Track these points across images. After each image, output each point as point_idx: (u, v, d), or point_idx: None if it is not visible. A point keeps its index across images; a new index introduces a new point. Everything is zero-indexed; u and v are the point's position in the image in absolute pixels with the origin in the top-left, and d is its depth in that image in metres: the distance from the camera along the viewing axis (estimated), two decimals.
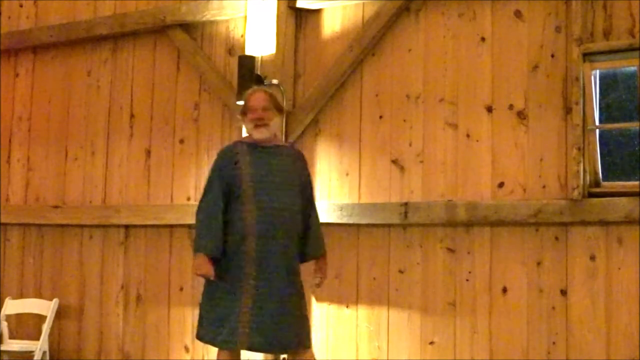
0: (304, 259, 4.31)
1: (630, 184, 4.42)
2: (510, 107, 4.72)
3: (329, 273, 5.17)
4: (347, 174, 5.18)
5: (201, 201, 4.26)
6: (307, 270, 4.34)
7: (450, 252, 4.82)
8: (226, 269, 4.14)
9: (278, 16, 5.29)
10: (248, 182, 4.20)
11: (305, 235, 4.29)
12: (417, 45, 5.04)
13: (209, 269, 4.10)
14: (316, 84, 5.29)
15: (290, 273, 4.18)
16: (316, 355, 5.19)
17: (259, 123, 4.24)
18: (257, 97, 4.30)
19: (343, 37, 5.26)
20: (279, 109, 4.34)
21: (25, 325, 6.17)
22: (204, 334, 4.20)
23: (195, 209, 5.60)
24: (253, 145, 4.28)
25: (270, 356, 5.07)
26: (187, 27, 5.74)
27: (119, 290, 5.91)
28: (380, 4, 5.09)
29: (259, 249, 4.13)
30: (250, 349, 4.16)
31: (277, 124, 4.40)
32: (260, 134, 4.26)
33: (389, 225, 4.95)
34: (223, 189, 4.19)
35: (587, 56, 4.50)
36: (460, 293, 4.77)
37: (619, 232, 4.39)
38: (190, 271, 4.24)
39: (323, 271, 4.36)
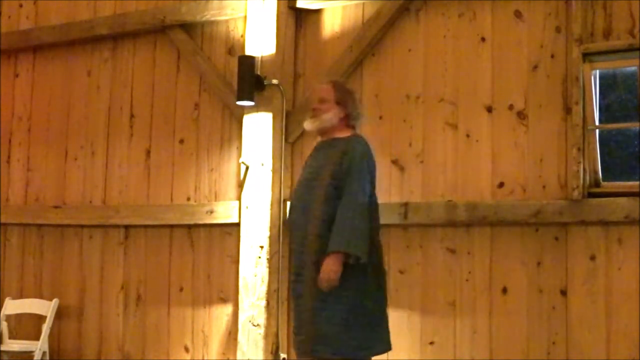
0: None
1: (630, 184, 4.42)
2: (510, 107, 4.72)
3: None
4: None
5: None
6: None
7: (450, 252, 4.81)
8: None
9: (278, 16, 5.28)
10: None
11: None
12: (417, 45, 5.04)
13: None
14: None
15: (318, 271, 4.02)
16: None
17: (311, 114, 4.32)
18: (318, 89, 4.37)
19: (343, 37, 5.26)
20: (339, 102, 4.26)
21: (25, 325, 6.16)
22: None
23: (194, 209, 5.65)
24: (319, 143, 4.35)
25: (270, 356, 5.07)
26: (187, 27, 5.74)
27: (119, 291, 5.90)
28: (380, 4, 5.09)
29: (293, 255, 4.33)
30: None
31: (335, 116, 4.26)
32: (305, 125, 4.35)
33: (389, 226, 4.92)
34: None
35: (587, 56, 4.50)
36: (460, 293, 4.76)
37: (619, 232, 4.38)
38: None
39: (323, 270, 3.93)
